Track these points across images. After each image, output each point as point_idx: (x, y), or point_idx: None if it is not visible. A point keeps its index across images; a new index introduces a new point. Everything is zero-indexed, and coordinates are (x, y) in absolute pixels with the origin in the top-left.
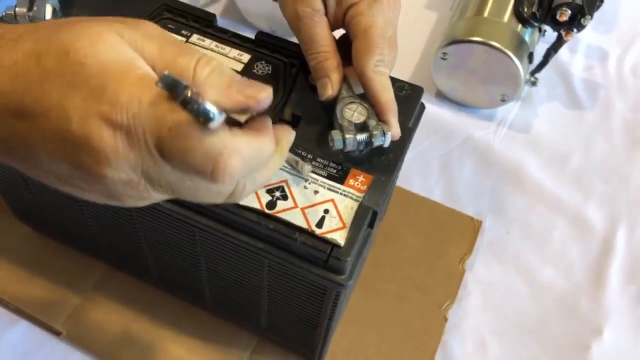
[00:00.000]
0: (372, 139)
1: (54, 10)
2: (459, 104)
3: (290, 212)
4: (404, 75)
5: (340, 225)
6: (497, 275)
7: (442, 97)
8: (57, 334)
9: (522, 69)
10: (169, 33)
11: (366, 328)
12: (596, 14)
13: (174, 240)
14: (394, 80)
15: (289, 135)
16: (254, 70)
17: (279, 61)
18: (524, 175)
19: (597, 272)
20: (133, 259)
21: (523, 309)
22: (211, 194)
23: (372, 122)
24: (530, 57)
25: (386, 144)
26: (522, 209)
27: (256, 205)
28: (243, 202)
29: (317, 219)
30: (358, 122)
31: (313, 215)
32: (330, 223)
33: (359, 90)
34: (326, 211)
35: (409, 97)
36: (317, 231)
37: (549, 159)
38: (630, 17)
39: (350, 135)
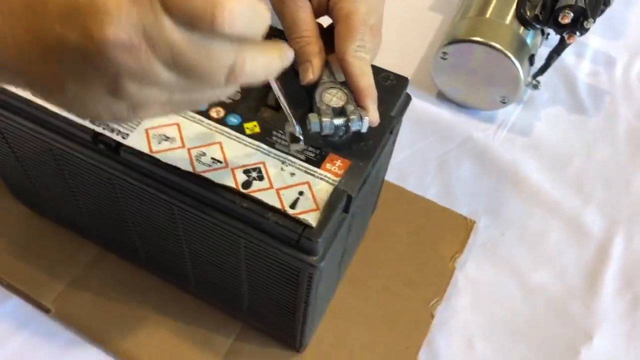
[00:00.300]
0: (349, 124)
1: None
2: (459, 105)
3: (265, 193)
4: (405, 74)
5: (314, 207)
6: (488, 275)
7: (443, 97)
8: (46, 311)
9: (522, 70)
10: None
11: (352, 322)
12: (605, 20)
13: (156, 220)
14: (379, 70)
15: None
16: None
17: None
18: (522, 177)
19: (592, 278)
20: (122, 241)
21: (513, 310)
22: (212, 59)
23: (350, 107)
24: (532, 59)
25: (363, 129)
26: (518, 211)
27: (231, 184)
28: (219, 180)
29: (291, 200)
30: (336, 106)
31: (287, 196)
32: (304, 204)
33: (342, 77)
34: (301, 193)
35: (393, 87)
36: (290, 212)
37: (549, 163)
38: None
39: (327, 119)
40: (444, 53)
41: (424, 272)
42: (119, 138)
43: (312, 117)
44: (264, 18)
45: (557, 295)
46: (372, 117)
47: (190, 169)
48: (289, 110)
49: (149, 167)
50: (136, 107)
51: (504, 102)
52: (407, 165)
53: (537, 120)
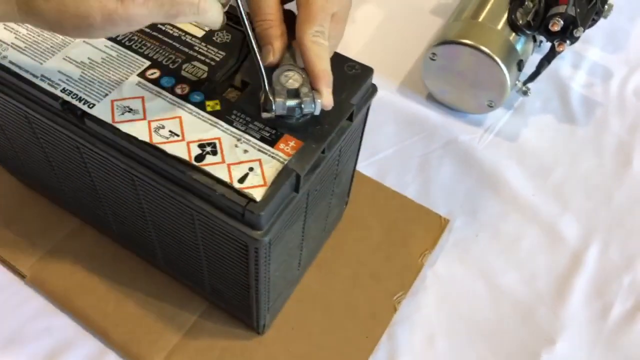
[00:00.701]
0: (302, 105)
1: None
2: (448, 107)
3: (216, 167)
4: (399, 76)
5: (262, 182)
6: (457, 274)
7: (433, 99)
8: (22, 276)
9: (509, 75)
10: None
11: (314, 307)
12: (607, 33)
13: (121, 192)
14: (345, 59)
15: None
16: (214, 38)
17: (240, 32)
18: (502, 181)
19: (561, 284)
20: (97, 214)
21: (479, 310)
22: None
23: (305, 90)
24: (520, 65)
25: (316, 112)
26: (494, 214)
27: (185, 156)
28: (172, 152)
29: (241, 175)
30: (291, 88)
31: (238, 171)
32: (252, 180)
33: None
34: (251, 169)
35: (357, 75)
36: (238, 186)
37: (532, 169)
38: None
39: (281, 99)
40: (433, 54)
41: (391, 266)
42: (85, 107)
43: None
44: None
45: (525, 299)
46: (325, 100)
47: (147, 139)
48: (263, 74)
49: (110, 136)
50: None
51: (491, 106)
52: (389, 162)
53: (525, 127)
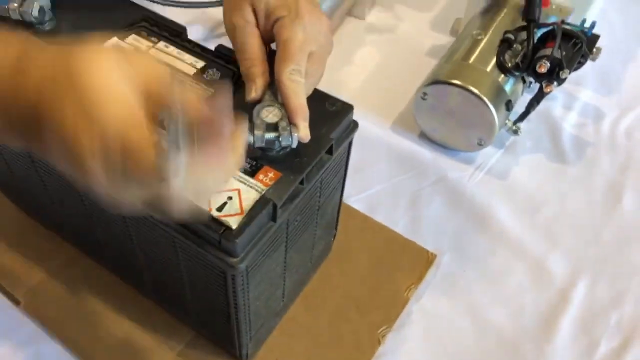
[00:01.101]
0: (280, 138)
1: (41, 9)
2: (440, 146)
3: None
4: (393, 114)
5: (239, 211)
6: (444, 309)
7: (425, 137)
8: (16, 302)
9: (496, 114)
10: (160, 66)
11: (299, 338)
12: (599, 76)
13: (112, 220)
14: (326, 97)
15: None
16: (204, 75)
17: (229, 70)
18: (491, 218)
19: (548, 321)
20: (91, 243)
21: (464, 345)
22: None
23: (283, 124)
24: (508, 104)
25: (293, 145)
26: (482, 250)
27: None
28: None
29: (219, 204)
30: (271, 122)
31: (217, 200)
32: (230, 209)
33: None
34: (229, 198)
35: (337, 112)
36: (215, 214)
37: (521, 207)
38: (635, 83)
39: (260, 132)
40: (424, 93)
41: (376, 299)
42: None
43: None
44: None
45: (511, 335)
46: (301, 133)
47: None
48: None
49: None
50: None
51: (481, 144)
52: (380, 197)
53: (515, 165)
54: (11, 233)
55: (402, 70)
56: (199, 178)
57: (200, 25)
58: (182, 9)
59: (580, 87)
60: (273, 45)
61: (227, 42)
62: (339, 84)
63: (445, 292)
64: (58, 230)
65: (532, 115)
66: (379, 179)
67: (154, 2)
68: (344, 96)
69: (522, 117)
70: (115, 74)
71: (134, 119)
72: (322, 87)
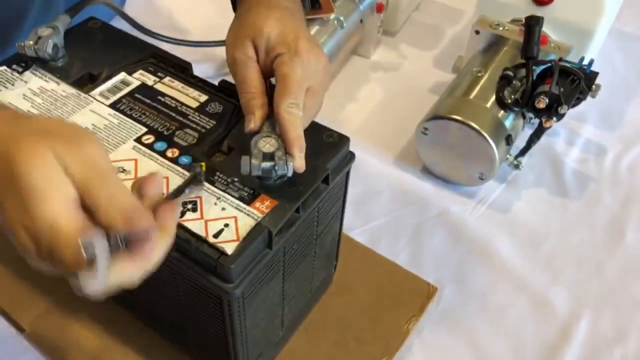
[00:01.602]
0: (276, 167)
1: (55, 46)
2: (442, 180)
3: (194, 222)
4: (396, 149)
5: (235, 238)
6: (444, 342)
7: (427, 171)
8: (21, 330)
9: (496, 148)
10: (103, 158)
11: None
12: (602, 112)
13: None
14: (324, 129)
15: (173, 216)
16: (207, 109)
17: (231, 104)
18: (492, 252)
19: (550, 356)
20: None
21: None
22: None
23: (279, 154)
24: (508, 139)
25: (289, 173)
26: (484, 284)
27: None
28: None
29: (216, 231)
30: (268, 152)
31: (214, 227)
32: (226, 235)
33: None
34: (226, 225)
35: (334, 144)
36: (212, 240)
37: (523, 241)
38: (637, 119)
39: (257, 162)
40: (425, 128)
41: (377, 331)
42: None
43: (244, 159)
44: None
45: None
46: (297, 163)
47: None
48: None
49: None
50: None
51: (482, 179)
52: (383, 230)
53: (517, 199)
54: (19, 261)
55: (405, 106)
56: (116, 273)
57: (208, 63)
58: (192, 48)
59: (583, 123)
60: (273, 80)
61: (232, 79)
62: (344, 119)
63: (446, 325)
64: None
65: (535, 150)
66: (381, 212)
67: (165, 41)
68: (348, 131)
69: (523, 151)
70: (53, 170)
71: (65, 214)
72: (328, 121)
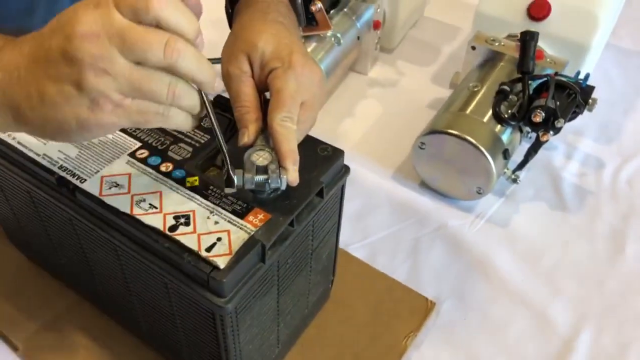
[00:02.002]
0: (269, 180)
1: None
2: (441, 194)
3: (187, 236)
4: (394, 164)
5: (227, 252)
6: (443, 357)
7: (425, 186)
8: (15, 348)
9: (493, 162)
10: None
11: None
12: (600, 126)
13: (107, 263)
14: (319, 143)
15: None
16: (201, 123)
17: (226, 118)
18: (492, 266)
19: None
20: (90, 288)
21: None
22: (151, 37)
23: (272, 167)
24: (505, 154)
25: (282, 187)
26: (483, 299)
27: (160, 226)
28: (149, 222)
29: (209, 245)
30: (261, 165)
31: (206, 241)
32: (219, 249)
33: None
34: (219, 239)
35: (329, 157)
36: (204, 254)
37: (522, 255)
38: (636, 132)
39: (250, 175)
40: (422, 143)
41: (375, 347)
42: (77, 182)
43: (237, 173)
44: (188, 16)
45: None
46: (290, 176)
47: (128, 211)
48: (224, 148)
49: (96, 207)
50: (95, 106)
51: (480, 193)
52: (381, 244)
53: (516, 213)
54: (14, 279)
55: (403, 122)
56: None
57: None
58: None
59: (581, 137)
60: (267, 95)
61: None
62: (342, 135)
63: (445, 341)
64: (60, 276)
65: (533, 164)
66: (379, 227)
67: None
68: (346, 146)
69: (521, 165)
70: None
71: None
72: (326, 137)
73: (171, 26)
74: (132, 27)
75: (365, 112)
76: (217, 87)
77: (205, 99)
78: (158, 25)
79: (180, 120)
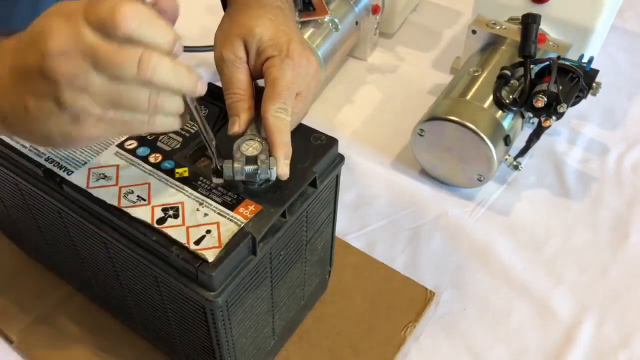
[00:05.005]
0: (259, 171)
1: None
2: (441, 182)
3: (176, 229)
4: (394, 152)
5: (217, 244)
6: (442, 349)
7: (425, 174)
8: (9, 341)
9: (494, 149)
10: None
11: None
12: (605, 112)
13: (97, 256)
14: (312, 131)
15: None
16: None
17: (216, 107)
18: (492, 255)
19: None
20: (82, 280)
21: None
22: (123, 53)
23: (262, 157)
24: (507, 140)
25: (272, 178)
26: (483, 288)
27: (147, 219)
28: (136, 215)
29: (198, 237)
30: (251, 155)
31: (195, 233)
32: (208, 242)
33: None
34: (208, 231)
35: (322, 146)
36: (193, 247)
37: (523, 243)
38: None
39: (239, 165)
40: (422, 130)
41: (372, 338)
42: (64, 174)
43: (226, 163)
44: (160, 27)
45: None
46: (280, 170)
47: (115, 203)
48: (210, 142)
49: (83, 200)
50: (76, 121)
51: (481, 180)
52: (380, 234)
53: (518, 201)
54: (7, 272)
55: (403, 108)
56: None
57: (201, 68)
58: (185, 53)
59: (585, 122)
60: (260, 82)
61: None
62: (341, 122)
63: (444, 331)
64: (53, 268)
65: (536, 150)
66: (378, 216)
67: None
68: (345, 134)
69: (523, 152)
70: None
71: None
72: (324, 124)
73: (143, 40)
74: (102, 45)
75: (365, 98)
76: (200, 89)
77: (188, 101)
78: (130, 40)
79: (167, 124)
